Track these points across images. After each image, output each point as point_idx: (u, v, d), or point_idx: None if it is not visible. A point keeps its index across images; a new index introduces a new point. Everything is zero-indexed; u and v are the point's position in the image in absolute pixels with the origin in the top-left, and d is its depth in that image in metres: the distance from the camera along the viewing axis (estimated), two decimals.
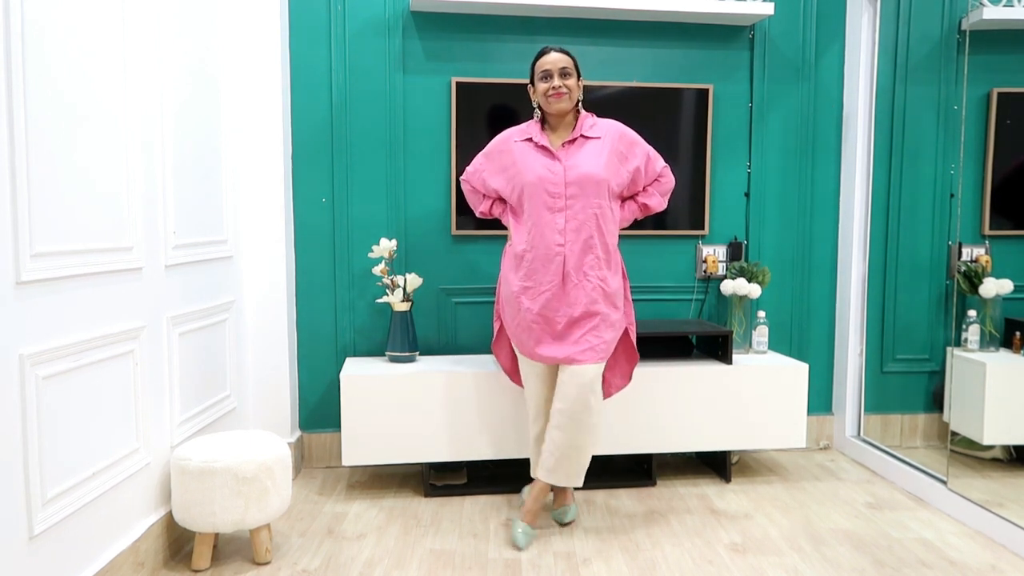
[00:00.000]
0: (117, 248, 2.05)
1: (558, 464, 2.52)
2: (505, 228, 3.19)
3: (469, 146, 3.19)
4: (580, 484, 2.58)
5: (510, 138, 2.65)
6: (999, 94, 3.02)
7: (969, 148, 3.03)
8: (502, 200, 2.72)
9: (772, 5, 3.21)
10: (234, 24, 2.90)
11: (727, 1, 3.17)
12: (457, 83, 3.16)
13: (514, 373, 2.78)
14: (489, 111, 3.22)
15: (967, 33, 2.97)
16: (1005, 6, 2.92)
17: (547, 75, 2.54)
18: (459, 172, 3.19)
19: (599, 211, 2.52)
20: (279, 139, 3.00)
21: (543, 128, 2.61)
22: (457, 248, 3.27)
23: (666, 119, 3.30)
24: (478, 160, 2.74)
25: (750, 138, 3.39)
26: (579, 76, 2.58)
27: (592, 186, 2.50)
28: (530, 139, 2.59)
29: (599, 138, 2.57)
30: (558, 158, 2.54)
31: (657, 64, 3.30)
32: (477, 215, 2.81)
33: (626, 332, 2.65)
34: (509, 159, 2.61)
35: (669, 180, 2.69)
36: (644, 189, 2.67)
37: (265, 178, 2.99)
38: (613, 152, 2.56)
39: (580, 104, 2.60)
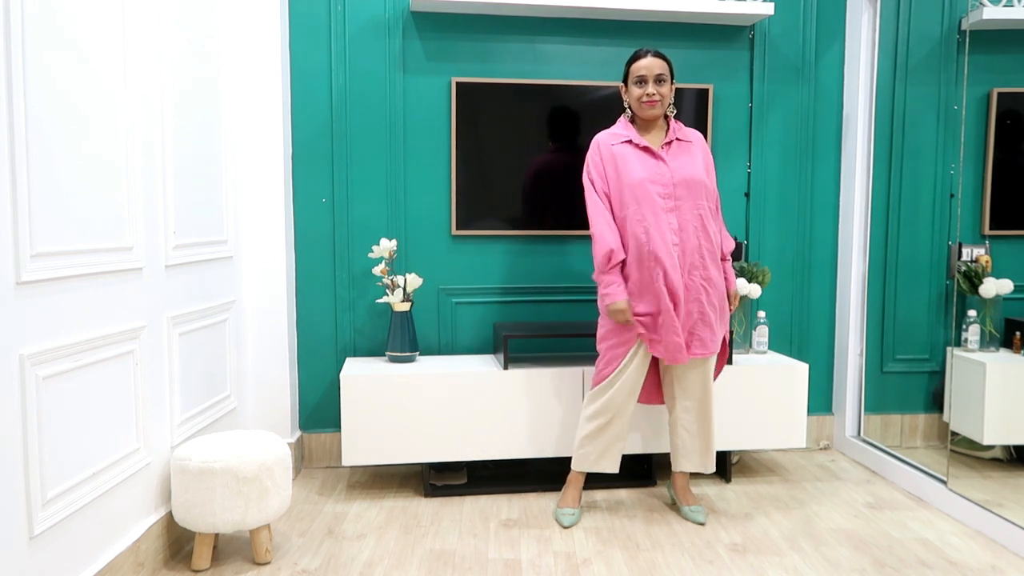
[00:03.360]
0: (117, 248, 2.05)
1: (700, 454, 2.71)
2: (505, 229, 3.21)
3: (469, 146, 3.20)
4: (713, 469, 2.75)
5: (607, 143, 2.62)
6: (999, 94, 3.02)
7: (969, 148, 3.03)
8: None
9: (772, 5, 3.21)
10: (234, 24, 2.90)
11: (727, 1, 3.17)
12: (457, 83, 3.16)
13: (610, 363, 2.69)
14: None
15: (967, 33, 2.97)
16: (1005, 6, 2.92)
17: (642, 80, 2.55)
18: (459, 172, 3.20)
19: (703, 211, 2.56)
20: (279, 139, 3.00)
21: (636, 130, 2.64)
22: (457, 248, 3.27)
23: None
24: (595, 183, 2.60)
25: (750, 138, 3.39)
26: (672, 79, 2.60)
27: (696, 187, 2.55)
28: (629, 141, 2.59)
29: (691, 142, 2.63)
30: (663, 159, 2.56)
31: None
32: (605, 254, 2.54)
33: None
34: (612, 164, 2.60)
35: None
36: None
37: (265, 178, 2.99)
38: (702, 158, 2.62)
39: (672, 105, 2.64)
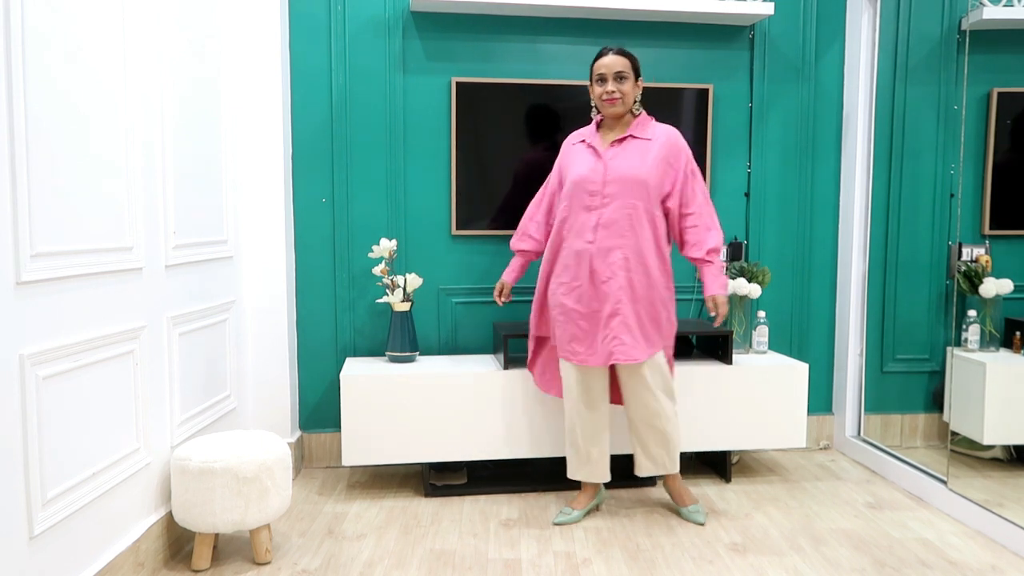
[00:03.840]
0: (117, 248, 2.05)
1: (647, 458, 2.66)
2: (505, 229, 3.21)
3: (469, 146, 3.20)
4: (675, 470, 2.69)
5: (569, 142, 2.72)
6: (999, 94, 3.02)
7: (969, 148, 3.03)
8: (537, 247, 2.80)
9: (772, 5, 3.21)
10: (234, 24, 2.90)
11: (727, 1, 3.17)
12: (457, 83, 3.16)
13: (549, 383, 2.81)
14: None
15: (967, 33, 2.97)
16: (1005, 6, 2.92)
17: (602, 79, 2.55)
18: (459, 172, 3.20)
19: (634, 211, 2.51)
20: (279, 139, 3.00)
21: (598, 128, 2.65)
22: (457, 248, 3.27)
23: (666, 119, 3.26)
24: (548, 180, 2.78)
25: (750, 138, 3.39)
26: (637, 77, 2.59)
27: (631, 186, 2.51)
28: (584, 140, 2.64)
29: (650, 140, 2.57)
30: (602, 157, 2.56)
31: (657, 64, 3.30)
32: (515, 236, 2.85)
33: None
34: (566, 162, 2.67)
35: (707, 215, 2.60)
36: (683, 241, 2.60)
37: (265, 178, 2.99)
38: (661, 156, 2.55)
39: (638, 104, 2.61)
